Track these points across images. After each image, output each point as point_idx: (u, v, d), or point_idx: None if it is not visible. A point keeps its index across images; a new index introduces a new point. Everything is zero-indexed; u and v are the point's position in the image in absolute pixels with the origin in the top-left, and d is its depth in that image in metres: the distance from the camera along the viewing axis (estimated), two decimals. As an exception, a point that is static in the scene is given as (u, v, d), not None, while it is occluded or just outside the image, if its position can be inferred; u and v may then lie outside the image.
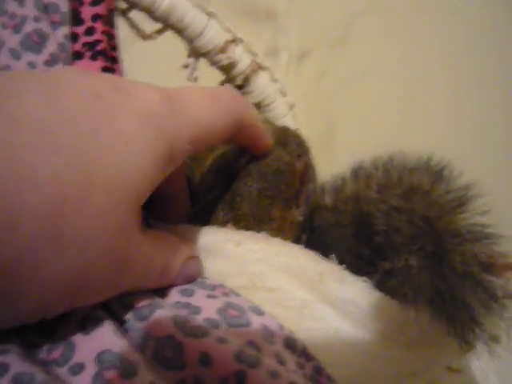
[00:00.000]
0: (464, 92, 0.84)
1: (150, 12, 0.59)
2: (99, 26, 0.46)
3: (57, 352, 0.28)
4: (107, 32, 0.46)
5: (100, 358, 0.27)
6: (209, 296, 0.34)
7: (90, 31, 0.46)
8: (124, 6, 0.59)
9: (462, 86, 0.83)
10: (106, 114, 0.28)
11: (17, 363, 0.26)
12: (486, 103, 0.82)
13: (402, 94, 0.88)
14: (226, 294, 0.35)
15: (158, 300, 0.33)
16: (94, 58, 0.44)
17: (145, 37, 0.62)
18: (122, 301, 0.32)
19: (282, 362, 0.32)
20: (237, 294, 0.36)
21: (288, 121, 0.71)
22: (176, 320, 0.31)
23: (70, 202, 0.25)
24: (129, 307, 0.32)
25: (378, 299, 0.40)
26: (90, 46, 0.45)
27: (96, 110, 0.27)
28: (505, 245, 0.37)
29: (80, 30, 0.44)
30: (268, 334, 0.33)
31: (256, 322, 0.33)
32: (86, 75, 0.29)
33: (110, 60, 0.45)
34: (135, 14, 0.61)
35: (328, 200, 0.51)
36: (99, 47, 0.46)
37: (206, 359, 0.29)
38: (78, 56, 0.44)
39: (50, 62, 0.43)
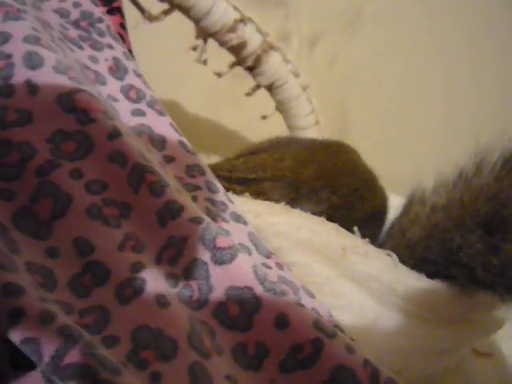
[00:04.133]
0: (481, 77, 0.82)
1: (155, -9, 0.57)
2: None
3: (89, 318, 0.25)
4: None
5: (136, 334, 0.25)
6: (264, 265, 0.31)
7: None
8: (128, -14, 0.58)
9: (481, 71, 0.82)
10: None
11: (61, 313, 0.23)
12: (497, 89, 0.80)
13: (414, 76, 0.87)
14: (279, 266, 0.32)
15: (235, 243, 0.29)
16: (110, 12, 0.42)
17: (151, 18, 0.60)
18: (204, 237, 0.28)
19: None
20: (289, 268, 0.33)
21: (302, 102, 0.69)
22: (256, 270, 0.28)
23: None
24: (209, 246, 0.28)
25: (404, 274, 0.38)
26: (106, 1, 0.43)
27: None
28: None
29: None
30: None
31: (308, 304, 0.31)
32: None
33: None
34: (140, -5, 0.60)
35: None
36: (115, 4, 0.44)
37: (283, 321, 0.27)
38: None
39: None
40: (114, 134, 0.30)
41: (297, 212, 0.38)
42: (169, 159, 0.34)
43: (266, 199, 0.41)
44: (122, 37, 0.42)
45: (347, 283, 0.37)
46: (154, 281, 0.27)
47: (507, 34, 0.79)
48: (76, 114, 0.30)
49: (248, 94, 0.68)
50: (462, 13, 0.83)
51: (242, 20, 0.62)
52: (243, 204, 0.37)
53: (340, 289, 0.37)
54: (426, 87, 0.86)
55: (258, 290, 0.27)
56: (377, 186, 0.49)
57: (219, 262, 0.28)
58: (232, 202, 0.35)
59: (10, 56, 0.31)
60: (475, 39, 0.82)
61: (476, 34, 0.82)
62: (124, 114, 0.35)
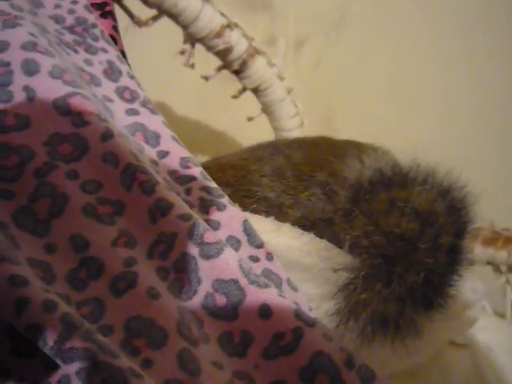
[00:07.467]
0: (459, 76, 0.84)
1: (144, -2, 0.59)
2: None
3: (86, 309, 0.27)
4: None
5: (129, 324, 0.27)
6: (251, 257, 0.33)
7: None
8: (118, -8, 0.60)
9: (457, 71, 0.83)
10: None
11: (62, 303, 0.25)
12: (481, 88, 0.82)
13: (398, 78, 0.88)
14: (269, 257, 0.34)
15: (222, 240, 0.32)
16: (103, 16, 0.45)
17: (140, 24, 0.62)
18: (192, 233, 0.30)
19: None
20: (278, 260, 0.35)
21: (287, 105, 0.71)
22: (241, 264, 0.30)
23: None
24: (197, 241, 0.30)
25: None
26: (99, 6, 0.46)
27: None
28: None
29: None
30: None
31: (289, 297, 0.32)
32: None
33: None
34: (129, 1, 0.61)
35: None
36: (107, 8, 0.46)
37: (265, 311, 0.29)
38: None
39: None
40: (107, 136, 0.32)
41: (286, 228, 0.38)
42: (163, 154, 0.36)
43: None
44: (115, 39, 0.44)
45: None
46: (145, 274, 0.28)
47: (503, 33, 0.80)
48: (71, 117, 0.32)
49: (235, 97, 0.70)
50: (447, 15, 0.84)
51: (229, 26, 0.64)
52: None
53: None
54: (412, 88, 0.88)
55: (243, 282, 0.29)
56: None
57: (206, 256, 0.30)
58: None
59: (8, 64, 0.33)
60: (461, 42, 0.83)
61: (457, 36, 0.84)
62: (119, 114, 0.37)
